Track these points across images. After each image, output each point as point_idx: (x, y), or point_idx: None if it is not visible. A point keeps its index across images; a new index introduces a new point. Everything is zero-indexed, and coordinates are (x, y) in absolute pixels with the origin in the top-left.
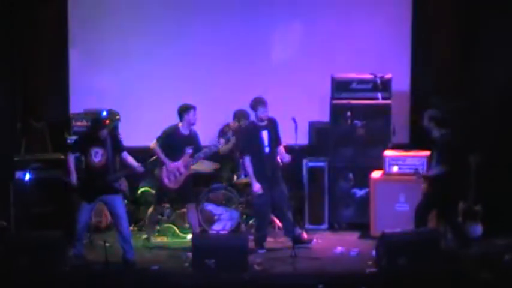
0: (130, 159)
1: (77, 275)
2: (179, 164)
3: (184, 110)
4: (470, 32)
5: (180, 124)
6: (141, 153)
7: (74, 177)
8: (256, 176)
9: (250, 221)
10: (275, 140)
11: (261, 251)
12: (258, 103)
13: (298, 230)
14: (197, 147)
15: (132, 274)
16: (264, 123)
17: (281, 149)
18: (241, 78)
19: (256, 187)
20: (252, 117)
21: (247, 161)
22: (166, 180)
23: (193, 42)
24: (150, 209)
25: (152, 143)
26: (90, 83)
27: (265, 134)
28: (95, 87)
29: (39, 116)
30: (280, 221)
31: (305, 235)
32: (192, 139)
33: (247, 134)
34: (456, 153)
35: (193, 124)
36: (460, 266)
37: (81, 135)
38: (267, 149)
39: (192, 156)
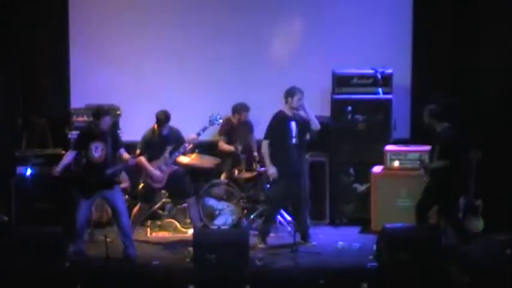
0: (126, 156)
1: (77, 271)
2: (159, 163)
3: (157, 121)
4: (471, 27)
5: (156, 126)
6: None
7: (58, 169)
8: (277, 164)
9: (252, 216)
10: (303, 134)
11: (262, 246)
12: (296, 91)
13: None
14: (179, 144)
15: (133, 269)
16: (295, 115)
17: None
18: (242, 73)
19: (271, 170)
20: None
21: (265, 144)
22: (149, 181)
23: (193, 38)
24: (136, 208)
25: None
26: (91, 78)
27: (293, 125)
28: (96, 82)
29: (40, 112)
30: (294, 215)
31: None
32: (171, 138)
33: (277, 121)
34: (457, 147)
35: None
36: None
37: (82, 131)
38: (293, 140)
39: (170, 153)
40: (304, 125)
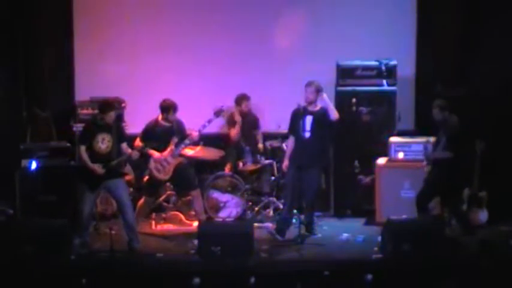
0: (128, 150)
1: (82, 263)
2: (165, 154)
3: (163, 109)
4: (475, 19)
5: (160, 117)
6: None
7: (96, 167)
8: (291, 157)
9: (256, 208)
10: (320, 129)
11: (270, 230)
12: (306, 85)
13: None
14: (182, 136)
15: (137, 262)
16: (314, 109)
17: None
18: (246, 65)
19: (284, 164)
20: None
21: (289, 140)
22: (155, 172)
23: (196, 29)
24: (141, 201)
25: (136, 142)
26: (96, 71)
27: (308, 119)
28: (101, 75)
29: (45, 105)
30: (300, 206)
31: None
32: (175, 129)
33: (292, 115)
34: (464, 140)
35: (171, 121)
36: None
37: (87, 123)
38: (307, 134)
39: (176, 145)
40: (322, 118)
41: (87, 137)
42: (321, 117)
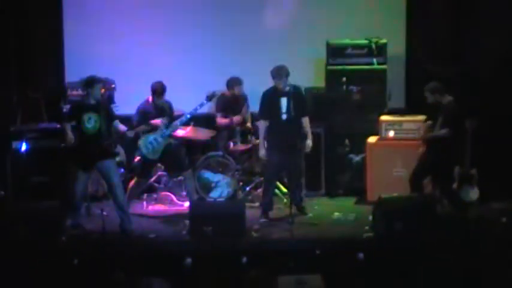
0: (122, 127)
1: (74, 245)
2: (156, 134)
3: (153, 91)
4: None
5: (151, 98)
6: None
7: (72, 139)
8: (270, 141)
9: (247, 188)
10: (296, 108)
11: (262, 220)
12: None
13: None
14: (172, 117)
15: (129, 243)
16: (286, 90)
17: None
18: (237, 45)
19: (261, 153)
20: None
21: (260, 124)
22: (144, 150)
23: (187, 9)
24: (132, 182)
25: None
26: (86, 52)
27: (283, 101)
28: (91, 56)
29: (35, 86)
30: (289, 187)
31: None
32: (165, 109)
33: (265, 98)
34: (458, 120)
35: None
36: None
37: (74, 103)
38: (284, 116)
39: (167, 125)
40: (296, 97)
41: (73, 116)
42: (294, 96)
